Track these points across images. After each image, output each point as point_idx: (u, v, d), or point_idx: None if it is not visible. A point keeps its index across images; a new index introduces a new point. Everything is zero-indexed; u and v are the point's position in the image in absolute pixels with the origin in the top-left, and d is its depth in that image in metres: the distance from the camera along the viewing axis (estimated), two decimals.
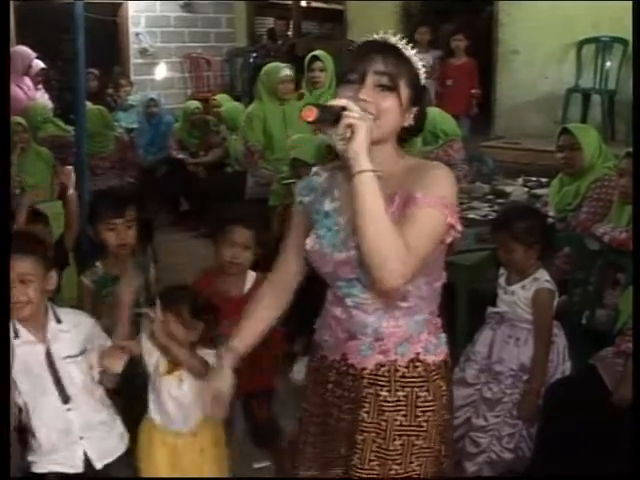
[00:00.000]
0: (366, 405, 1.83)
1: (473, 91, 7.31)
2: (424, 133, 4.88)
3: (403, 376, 1.83)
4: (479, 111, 7.49)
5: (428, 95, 1.96)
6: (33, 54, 6.76)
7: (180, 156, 6.85)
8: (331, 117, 1.62)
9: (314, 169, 1.98)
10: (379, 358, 1.83)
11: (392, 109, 1.73)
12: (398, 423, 1.82)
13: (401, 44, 1.79)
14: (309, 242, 1.85)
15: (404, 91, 1.74)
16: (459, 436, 3.00)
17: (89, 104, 5.63)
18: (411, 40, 1.84)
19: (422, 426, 1.83)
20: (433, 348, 1.86)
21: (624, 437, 2.25)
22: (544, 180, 4.92)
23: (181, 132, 7.01)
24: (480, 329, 3.08)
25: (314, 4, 11.12)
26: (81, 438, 2.38)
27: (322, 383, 1.93)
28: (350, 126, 1.60)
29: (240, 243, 2.79)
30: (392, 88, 1.72)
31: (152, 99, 7.39)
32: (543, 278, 2.95)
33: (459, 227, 1.74)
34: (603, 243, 3.43)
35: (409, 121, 1.79)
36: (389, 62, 1.73)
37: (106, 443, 2.44)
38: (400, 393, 1.83)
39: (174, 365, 2.47)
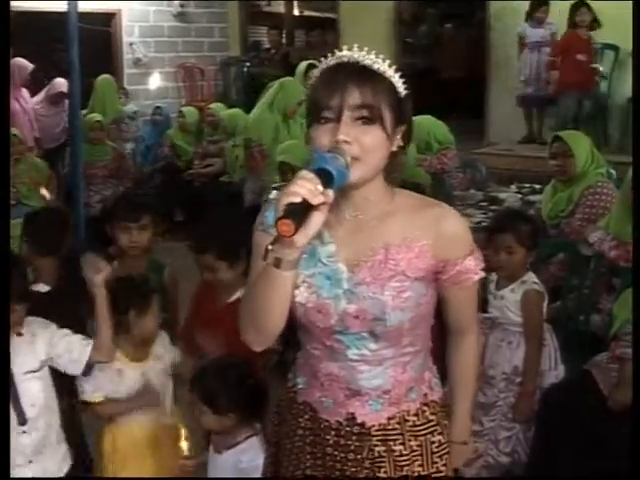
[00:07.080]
0: (383, 465, 1.66)
1: None
2: (418, 142, 4.93)
3: (414, 425, 1.68)
4: (472, 118, 7.54)
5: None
6: (30, 65, 6.76)
7: (176, 163, 6.91)
8: (302, 214, 1.36)
9: None
10: (391, 410, 1.66)
11: (377, 143, 1.48)
12: (416, 475, 1.67)
13: (373, 60, 1.51)
14: (301, 293, 1.57)
15: (387, 117, 1.49)
16: None
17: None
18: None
19: (441, 471, 1.70)
20: (435, 384, 1.75)
21: (619, 441, 2.27)
22: (537, 187, 4.95)
23: (175, 139, 7.05)
24: None
25: (307, 13, 11.16)
26: (30, 462, 2.24)
27: (317, 445, 1.70)
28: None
29: (211, 267, 2.74)
30: (374, 120, 1.47)
31: (158, 107, 7.50)
32: (531, 280, 2.97)
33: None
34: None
35: (397, 143, 1.54)
36: (366, 91, 1.46)
37: (52, 464, 2.31)
38: (413, 443, 1.67)
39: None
